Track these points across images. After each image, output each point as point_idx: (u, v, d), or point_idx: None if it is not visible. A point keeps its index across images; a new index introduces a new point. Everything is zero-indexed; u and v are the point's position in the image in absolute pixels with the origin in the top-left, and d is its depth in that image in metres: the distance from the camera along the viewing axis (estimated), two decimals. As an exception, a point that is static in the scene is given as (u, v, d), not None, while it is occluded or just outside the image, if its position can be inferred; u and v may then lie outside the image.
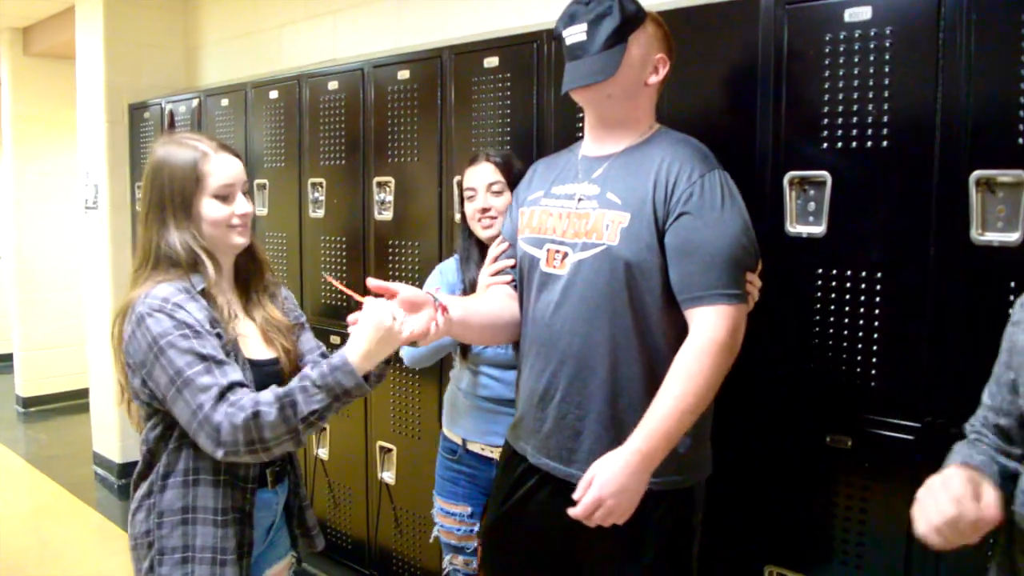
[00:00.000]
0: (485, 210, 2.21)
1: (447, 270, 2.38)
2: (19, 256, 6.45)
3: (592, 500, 1.56)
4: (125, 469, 4.80)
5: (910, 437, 1.83)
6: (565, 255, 1.75)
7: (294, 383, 1.58)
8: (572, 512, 1.58)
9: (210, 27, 4.69)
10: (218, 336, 1.64)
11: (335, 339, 3.19)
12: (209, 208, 1.70)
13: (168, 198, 1.69)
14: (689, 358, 1.61)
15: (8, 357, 6.90)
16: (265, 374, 1.71)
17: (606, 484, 1.56)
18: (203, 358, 1.58)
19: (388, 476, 3.14)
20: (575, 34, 1.72)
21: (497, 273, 1.97)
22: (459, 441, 2.34)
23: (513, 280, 1.94)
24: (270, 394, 1.57)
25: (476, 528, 2.33)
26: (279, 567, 1.90)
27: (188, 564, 1.67)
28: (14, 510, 4.58)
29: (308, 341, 1.92)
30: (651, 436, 1.58)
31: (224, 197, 1.71)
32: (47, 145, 6.45)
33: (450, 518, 2.39)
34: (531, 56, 2.50)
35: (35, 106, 6.34)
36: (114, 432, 4.84)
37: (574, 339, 1.72)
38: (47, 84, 6.30)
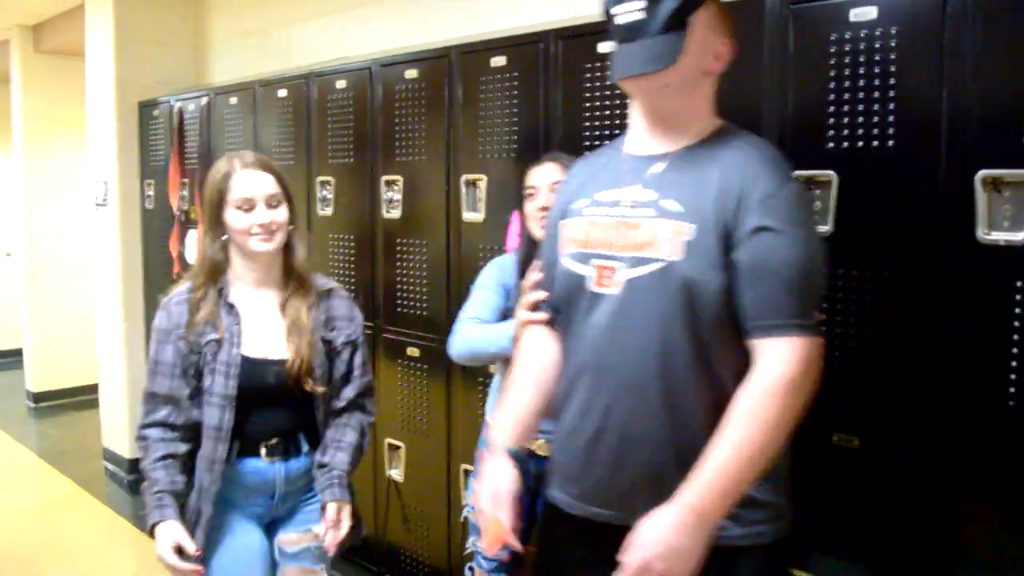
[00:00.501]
0: (545, 208, 2.14)
1: (505, 267, 2.30)
2: (29, 252, 6.48)
3: (638, 564, 1.34)
4: (135, 464, 4.83)
5: (916, 435, 1.83)
6: (615, 271, 1.51)
7: (161, 475, 1.97)
8: None
9: (220, 25, 4.71)
10: (185, 340, 1.98)
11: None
12: (232, 217, 1.99)
13: (206, 208, 2.03)
14: (754, 398, 1.39)
15: (18, 352, 6.93)
16: (264, 369, 1.99)
17: (651, 545, 1.33)
18: (157, 362, 1.99)
19: (396, 473, 3.16)
20: (629, 12, 1.47)
21: (534, 307, 1.76)
22: None
23: (550, 316, 1.71)
24: (151, 451, 1.99)
25: None
26: (293, 536, 2.08)
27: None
28: (25, 504, 4.62)
29: (344, 364, 2.11)
30: (705, 489, 1.36)
31: (247, 208, 1.97)
32: (57, 142, 6.48)
33: None
34: (538, 56, 2.51)
35: (45, 103, 6.36)
36: (124, 427, 4.87)
37: (626, 369, 1.49)
38: (57, 81, 6.32)
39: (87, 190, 5.20)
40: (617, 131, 2.31)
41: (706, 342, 1.45)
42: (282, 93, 3.56)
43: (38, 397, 6.56)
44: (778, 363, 1.39)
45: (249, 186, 1.99)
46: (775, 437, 1.40)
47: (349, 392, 2.12)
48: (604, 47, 2.33)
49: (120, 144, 4.69)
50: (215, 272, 2.02)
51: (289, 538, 2.08)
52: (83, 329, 6.28)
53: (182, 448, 1.98)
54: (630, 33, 1.48)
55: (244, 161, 2.02)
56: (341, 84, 3.25)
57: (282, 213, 2.02)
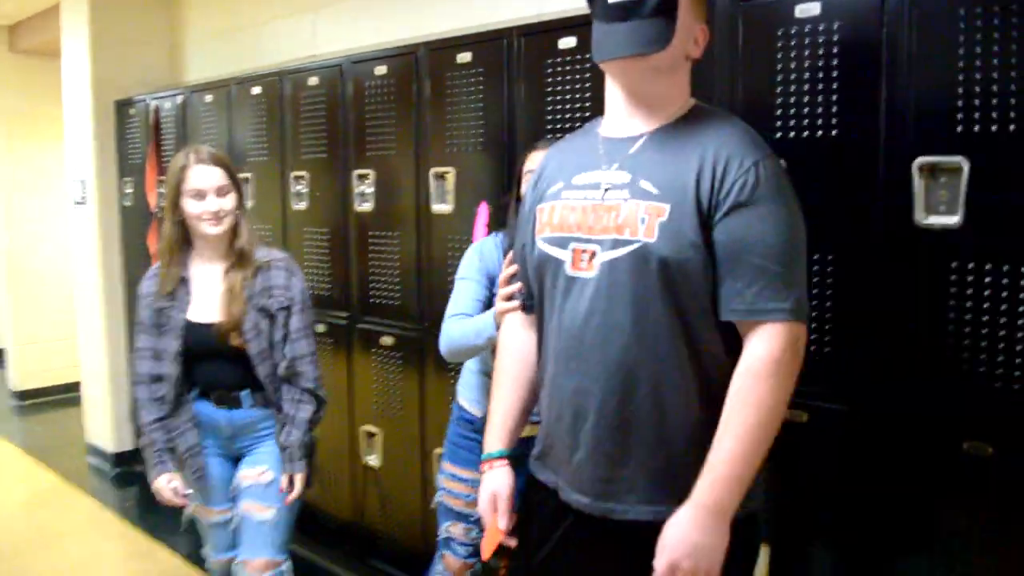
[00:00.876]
0: None
1: (487, 253, 2.28)
2: (10, 252, 6.51)
3: (666, 565, 1.39)
4: (118, 458, 4.90)
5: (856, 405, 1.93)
6: (593, 254, 1.51)
7: (158, 435, 2.37)
8: None
9: (194, 24, 4.76)
10: (151, 308, 2.36)
11: (320, 327, 3.28)
12: (187, 205, 2.31)
13: (167, 195, 2.35)
14: (745, 384, 1.41)
15: (0, 352, 6.96)
16: (199, 333, 2.33)
17: (676, 547, 1.39)
18: (139, 323, 2.41)
19: (373, 460, 3.24)
20: None
21: (510, 297, 1.81)
22: (478, 415, 2.34)
23: (524, 304, 1.75)
24: (144, 408, 2.38)
25: None
26: (247, 471, 2.42)
27: None
28: (12, 499, 4.67)
29: (281, 328, 2.37)
30: (716, 484, 1.40)
31: (199, 198, 2.29)
32: (36, 141, 6.49)
33: (460, 484, 2.38)
34: (502, 52, 2.59)
35: (22, 103, 6.38)
36: (107, 423, 4.93)
37: (608, 351, 1.48)
38: (34, 81, 6.33)
39: (66, 189, 5.24)
40: (577, 122, 2.39)
41: (689, 322, 1.45)
42: (256, 90, 3.62)
43: (22, 395, 6.59)
44: (765, 347, 1.41)
45: (201, 179, 2.30)
46: (772, 418, 1.41)
47: (289, 352, 2.38)
48: (564, 43, 2.41)
49: (97, 143, 4.74)
50: (176, 249, 2.37)
51: (243, 474, 2.43)
52: (65, 327, 6.28)
53: (167, 409, 2.36)
54: (621, 13, 1.46)
55: (199, 156, 2.33)
56: (313, 81, 3.31)
57: (229, 202, 2.33)
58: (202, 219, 2.31)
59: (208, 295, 2.35)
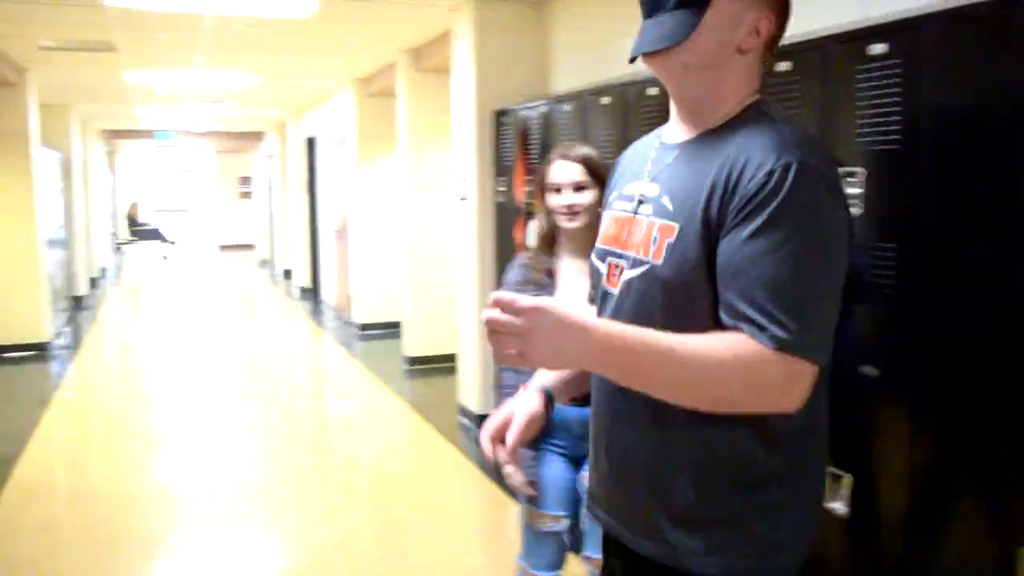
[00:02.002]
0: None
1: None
2: (411, 240, 7.50)
3: (517, 308, 1.18)
4: (482, 419, 5.56)
5: None
6: (622, 270, 1.40)
7: None
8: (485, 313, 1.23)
9: (560, 42, 5.29)
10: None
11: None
12: (548, 198, 2.44)
13: (536, 189, 2.50)
14: (723, 341, 1.20)
15: (398, 324, 8.04)
16: None
17: (542, 314, 1.18)
18: None
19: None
20: None
21: None
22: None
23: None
24: (508, 396, 2.33)
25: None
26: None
27: None
28: (398, 442, 5.69)
29: None
30: (616, 338, 1.21)
31: (556, 191, 2.40)
32: (432, 146, 7.40)
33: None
34: (815, 61, 2.72)
35: (422, 113, 7.33)
36: (475, 388, 5.68)
37: None
38: (431, 94, 7.20)
39: (453, 186, 6.02)
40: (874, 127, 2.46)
41: None
42: (605, 100, 4.05)
43: (412, 361, 7.60)
44: (755, 350, 1.18)
45: (558, 173, 2.41)
46: (703, 379, 1.21)
47: None
48: (874, 49, 2.48)
49: (478, 147, 5.44)
50: (546, 242, 2.50)
51: (587, 476, 2.46)
52: (448, 305, 7.01)
53: None
54: (649, 8, 1.34)
55: (563, 152, 2.43)
56: (652, 91, 3.65)
57: (586, 197, 2.37)
58: (558, 212, 2.39)
59: (572, 289, 2.35)
